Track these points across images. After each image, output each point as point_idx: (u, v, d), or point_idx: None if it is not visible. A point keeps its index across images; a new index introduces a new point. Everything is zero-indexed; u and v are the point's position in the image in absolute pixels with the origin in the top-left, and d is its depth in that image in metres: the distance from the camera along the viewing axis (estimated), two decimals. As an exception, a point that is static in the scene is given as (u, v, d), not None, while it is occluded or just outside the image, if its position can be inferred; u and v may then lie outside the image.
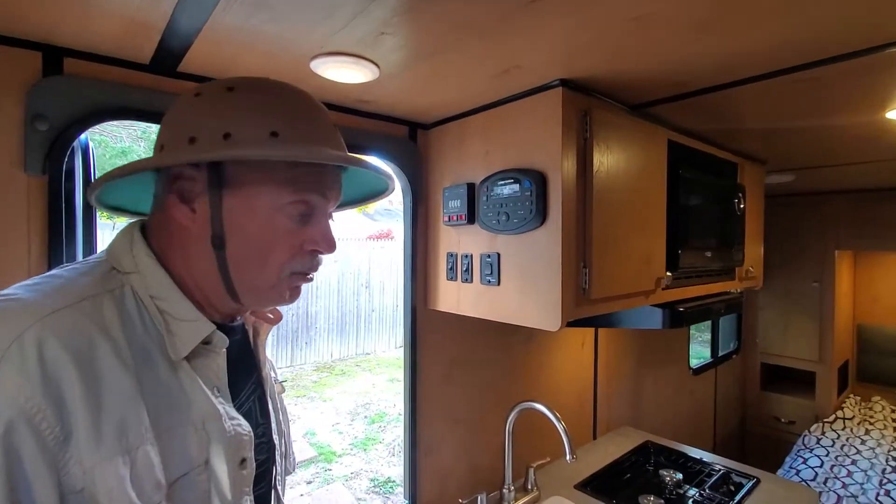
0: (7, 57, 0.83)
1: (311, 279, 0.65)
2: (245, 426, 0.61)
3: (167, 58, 0.92)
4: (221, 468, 0.57)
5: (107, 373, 0.49)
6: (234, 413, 0.61)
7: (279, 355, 7.17)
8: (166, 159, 0.55)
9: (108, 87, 0.92)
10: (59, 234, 0.89)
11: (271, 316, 0.76)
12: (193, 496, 0.55)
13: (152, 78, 0.97)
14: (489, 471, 1.59)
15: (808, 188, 2.71)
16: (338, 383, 6.62)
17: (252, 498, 0.63)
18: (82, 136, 0.94)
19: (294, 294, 0.64)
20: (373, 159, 0.90)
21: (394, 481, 4.07)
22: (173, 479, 0.53)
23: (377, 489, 3.96)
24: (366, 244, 8.40)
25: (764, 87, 1.08)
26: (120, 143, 6.84)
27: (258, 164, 0.57)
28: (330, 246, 0.62)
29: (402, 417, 5.36)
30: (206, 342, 0.59)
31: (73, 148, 0.92)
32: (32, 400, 0.44)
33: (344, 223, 14.16)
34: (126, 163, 0.55)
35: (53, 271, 0.56)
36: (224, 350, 0.61)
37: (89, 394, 0.47)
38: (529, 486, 1.56)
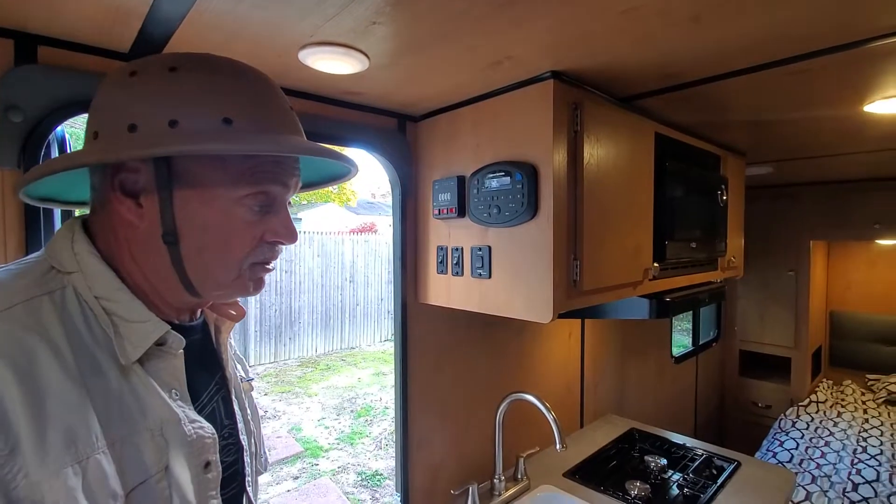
0: None
1: (272, 269, 0.63)
2: (208, 429, 0.58)
3: (148, 46, 0.89)
4: (184, 474, 0.55)
5: (49, 382, 0.46)
6: (194, 416, 0.58)
7: (262, 351, 7.09)
8: (107, 154, 0.50)
9: (85, 78, 0.88)
10: (36, 229, 0.85)
11: (233, 313, 0.72)
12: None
13: (132, 67, 0.93)
14: (480, 461, 1.60)
15: (785, 180, 2.79)
16: (323, 378, 6.58)
17: (220, 501, 0.60)
18: (58, 129, 0.91)
19: (258, 285, 0.61)
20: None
21: (381, 474, 4.08)
22: (130, 489, 0.50)
23: (365, 483, 3.96)
24: (349, 238, 8.33)
25: (751, 80, 1.10)
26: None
27: (215, 156, 0.53)
28: (291, 236, 0.60)
29: (388, 411, 5.36)
30: (160, 343, 0.56)
31: (48, 141, 0.89)
32: None
33: (327, 217, 14.02)
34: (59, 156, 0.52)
35: None
36: (181, 351, 0.58)
37: (31, 405, 0.45)
38: (519, 476, 1.58)
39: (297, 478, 3.99)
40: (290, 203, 0.63)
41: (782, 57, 0.96)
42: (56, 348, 0.48)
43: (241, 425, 0.71)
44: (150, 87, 0.52)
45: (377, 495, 3.78)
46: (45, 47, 0.85)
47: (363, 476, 4.06)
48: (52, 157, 0.93)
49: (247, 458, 0.72)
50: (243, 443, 0.71)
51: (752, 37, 0.89)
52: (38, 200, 0.62)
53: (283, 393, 5.95)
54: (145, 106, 0.51)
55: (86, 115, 0.61)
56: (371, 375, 6.72)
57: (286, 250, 7.29)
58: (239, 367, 0.79)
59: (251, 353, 6.95)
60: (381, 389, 6.11)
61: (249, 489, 0.72)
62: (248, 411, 0.75)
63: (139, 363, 0.54)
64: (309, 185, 0.75)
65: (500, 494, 1.49)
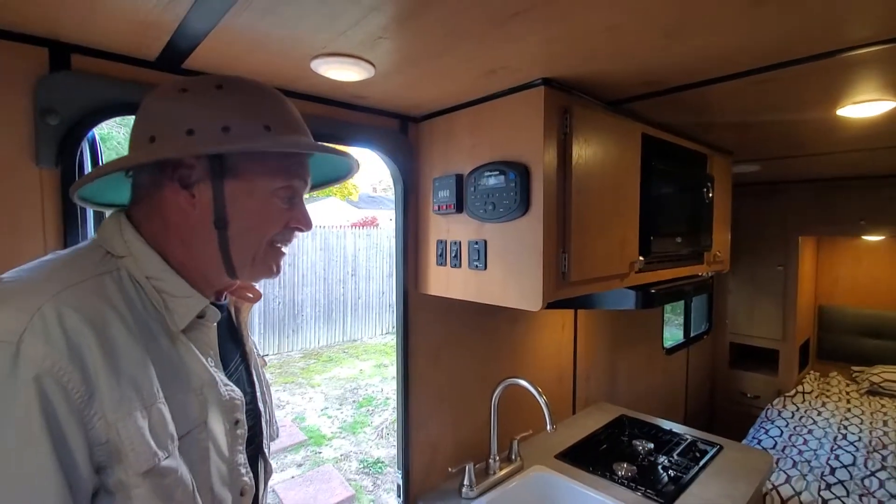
0: (13, 52, 0.85)
1: (285, 253, 0.75)
2: (237, 392, 0.69)
3: (174, 56, 0.97)
4: (218, 428, 0.65)
5: (119, 341, 0.55)
6: (227, 380, 0.68)
7: (266, 343, 7.21)
8: (180, 151, 0.61)
9: (115, 84, 0.95)
10: (74, 225, 0.93)
11: (251, 295, 0.83)
12: (196, 452, 0.62)
13: (158, 74, 1.00)
14: (476, 443, 1.70)
15: (773, 177, 2.87)
16: (325, 369, 6.69)
17: (245, 455, 0.70)
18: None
19: (278, 267, 0.73)
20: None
21: (382, 462, 4.19)
22: (181, 436, 0.60)
23: (366, 470, 4.08)
24: (351, 232, 8.40)
25: (728, 87, 1.18)
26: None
27: (259, 156, 0.65)
28: (309, 224, 0.73)
29: (389, 402, 5.45)
30: (200, 316, 0.66)
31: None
32: (59, 364, 0.50)
33: (329, 211, 14.08)
34: (118, 157, 0.62)
35: (47, 257, 0.61)
36: (215, 324, 0.69)
37: (107, 359, 0.53)
38: (513, 457, 1.67)
39: (300, 465, 4.11)
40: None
41: (753, 67, 1.05)
42: (122, 316, 0.57)
43: (258, 394, 0.81)
44: (202, 100, 0.63)
45: (378, 481, 3.90)
46: (78, 55, 0.92)
47: (365, 463, 4.17)
48: (86, 158, 1.02)
49: (263, 424, 0.81)
50: (261, 409, 0.81)
51: (722, 50, 0.97)
52: (79, 200, 0.71)
53: (286, 383, 6.07)
54: (200, 115, 0.62)
55: (113, 119, 0.71)
56: (373, 367, 6.83)
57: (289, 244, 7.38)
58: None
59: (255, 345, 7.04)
60: (382, 381, 6.22)
61: (266, 450, 0.83)
62: (263, 383, 0.86)
63: (183, 333, 0.64)
64: (313, 187, 0.87)
65: (494, 473, 1.59)
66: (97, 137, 1.06)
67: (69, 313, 0.52)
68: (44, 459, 0.48)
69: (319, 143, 0.72)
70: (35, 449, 0.48)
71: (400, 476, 1.52)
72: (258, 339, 7.08)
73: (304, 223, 0.72)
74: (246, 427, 0.70)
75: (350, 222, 13.25)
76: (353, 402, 5.54)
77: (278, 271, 0.73)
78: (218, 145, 0.61)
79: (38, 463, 0.48)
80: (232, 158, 0.64)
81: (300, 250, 7.57)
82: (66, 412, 0.50)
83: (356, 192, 16.73)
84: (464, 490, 1.50)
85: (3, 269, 0.59)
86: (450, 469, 1.51)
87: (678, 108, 1.38)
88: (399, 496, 1.52)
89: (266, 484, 0.85)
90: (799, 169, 2.50)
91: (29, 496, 0.48)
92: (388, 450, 4.40)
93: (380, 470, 4.07)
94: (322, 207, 14.24)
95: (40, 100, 0.88)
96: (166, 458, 0.57)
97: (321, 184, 0.88)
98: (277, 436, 0.91)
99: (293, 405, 5.39)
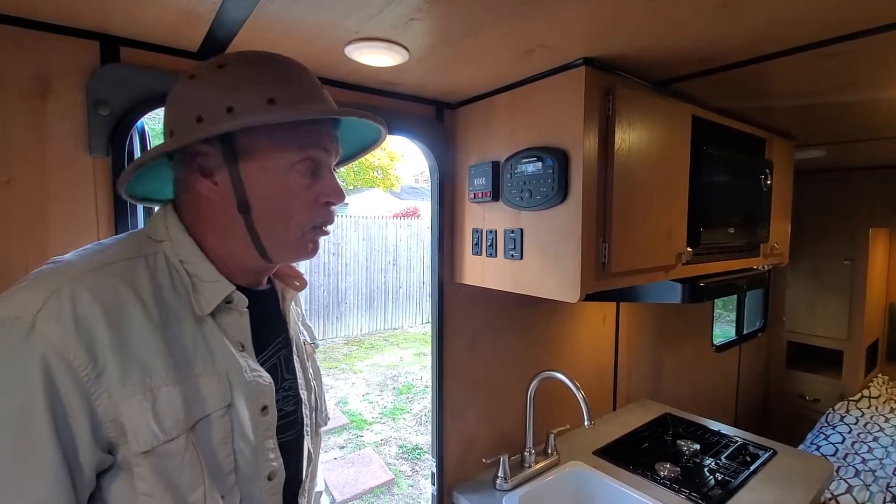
0: (67, 46, 0.89)
1: (328, 232, 0.72)
2: (265, 377, 0.68)
3: (215, 45, 0.99)
4: (244, 412, 0.65)
5: (134, 325, 0.57)
6: (255, 366, 0.68)
7: (312, 328, 7.45)
8: (180, 140, 0.61)
9: (161, 74, 0.98)
10: (124, 212, 0.97)
11: (297, 283, 0.83)
12: (216, 435, 0.62)
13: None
14: (511, 435, 1.68)
15: (841, 164, 2.63)
16: (367, 356, 6.85)
17: (275, 441, 0.70)
18: (139, 122, 1.03)
19: (315, 248, 0.71)
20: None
21: (421, 448, 4.25)
22: (196, 419, 0.60)
23: (405, 455, 4.15)
24: (392, 222, 8.51)
25: (791, 62, 1.08)
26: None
27: (265, 131, 0.63)
28: (339, 196, 0.69)
29: (428, 389, 5.52)
30: (228, 301, 0.66)
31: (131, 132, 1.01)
32: (66, 343, 0.52)
33: (372, 202, 14.32)
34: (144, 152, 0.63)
35: (104, 241, 0.64)
36: (245, 309, 0.69)
37: (117, 341, 0.55)
38: (549, 451, 1.64)
39: (343, 447, 4.23)
40: (335, 170, 0.73)
41: (817, 40, 0.95)
42: (143, 300, 0.59)
43: (300, 380, 0.81)
44: (206, 83, 0.63)
45: (417, 467, 3.96)
46: (127, 48, 0.96)
47: (404, 449, 4.25)
48: (135, 147, 1.06)
49: (306, 411, 0.81)
50: (303, 396, 0.80)
51: (783, 21, 0.88)
52: (139, 200, 0.75)
53: (330, 368, 6.26)
54: (205, 100, 0.62)
55: (162, 109, 0.72)
56: (413, 356, 6.93)
57: (333, 234, 7.57)
58: (306, 332, 0.90)
59: (301, 331, 7.32)
60: (421, 369, 6.30)
61: (308, 438, 0.82)
62: (311, 371, 0.85)
63: (212, 317, 0.65)
64: (346, 160, 0.84)
65: (529, 467, 1.57)
66: (146, 127, 1.11)
67: (83, 295, 0.54)
68: (42, 430, 0.51)
69: (334, 107, 0.68)
70: (34, 420, 0.50)
71: (434, 464, 1.52)
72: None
73: (334, 195, 0.69)
74: (275, 413, 0.70)
75: (392, 213, 13.42)
76: (394, 388, 5.64)
77: (315, 251, 0.71)
78: (218, 127, 0.60)
79: (35, 433, 0.51)
80: (242, 139, 0.63)
81: (343, 240, 7.74)
82: (70, 388, 0.52)
83: (398, 184, 16.89)
84: (498, 482, 1.49)
85: (64, 254, 0.62)
86: (484, 460, 1.50)
87: (732, 87, 1.28)
88: (433, 484, 1.53)
89: (309, 470, 0.84)
90: (871, 154, 2.28)
91: (23, 464, 0.50)
92: (426, 437, 4.46)
93: (418, 456, 4.13)
94: (365, 198, 14.49)
95: (92, 92, 0.92)
96: (169, 440, 0.58)
97: (356, 153, 0.85)
98: (326, 423, 0.91)
99: (336, 389, 5.56)
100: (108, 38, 0.94)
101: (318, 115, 0.65)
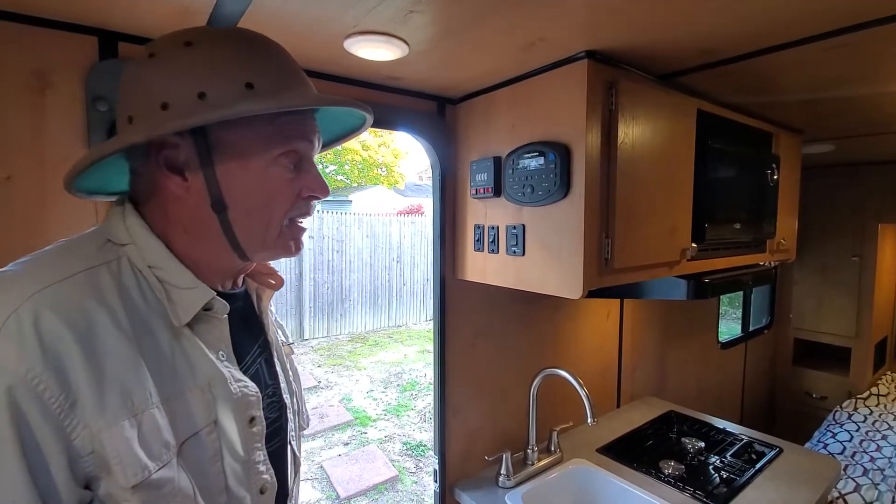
0: (65, 41, 0.88)
1: (305, 228, 0.66)
2: (251, 387, 0.63)
3: (212, 41, 0.99)
4: (231, 427, 0.60)
5: (106, 342, 0.50)
6: (239, 375, 0.62)
7: (316, 326, 7.48)
8: (149, 132, 0.52)
9: (160, 70, 0.99)
10: (123, 206, 0.98)
11: (272, 282, 0.77)
12: (205, 454, 0.57)
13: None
14: (514, 432, 1.67)
15: (850, 158, 2.60)
16: (371, 353, 6.86)
17: (265, 452, 0.65)
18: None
19: (298, 245, 0.65)
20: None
21: (425, 445, 4.26)
22: (183, 440, 0.55)
23: (409, 452, 4.15)
24: (396, 219, 8.51)
25: (797, 54, 1.06)
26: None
27: (245, 121, 0.55)
28: (325, 190, 0.63)
29: (431, 386, 5.52)
30: (207, 308, 0.60)
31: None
32: (33, 371, 0.45)
33: (375, 199, 14.33)
34: (99, 143, 0.55)
35: (50, 246, 0.56)
36: (225, 316, 0.62)
37: (90, 363, 0.48)
38: (552, 448, 1.63)
39: (347, 444, 4.24)
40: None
41: (824, 31, 0.93)
42: (113, 313, 0.52)
43: (283, 385, 0.76)
44: (172, 64, 0.54)
45: (421, 464, 3.96)
46: (125, 43, 0.95)
47: (408, 446, 4.25)
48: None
49: (290, 415, 0.76)
50: (286, 401, 0.75)
51: (790, 11, 0.86)
52: (86, 194, 0.64)
53: (334, 365, 6.28)
54: (172, 83, 0.53)
55: None
56: (417, 352, 6.94)
57: (337, 231, 7.58)
58: (279, 331, 0.83)
59: (306, 328, 7.35)
60: (426, 366, 6.30)
61: (293, 443, 0.78)
62: (290, 372, 0.80)
63: (188, 327, 0.58)
64: (327, 144, 0.77)
65: (532, 464, 1.56)
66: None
67: (47, 315, 0.47)
68: (14, 473, 0.45)
69: (318, 94, 0.61)
70: (4, 464, 0.44)
71: (437, 461, 1.52)
72: (308, 322, 7.35)
73: (319, 189, 0.62)
74: (264, 424, 0.65)
75: (396, 210, 13.42)
76: (398, 385, 5.65)
77: (298, 249, 0.65)
78: (190, 118, 0.52)
79: (7, 476, 0.44)
80: (216, 130, 0.55)
81: (347, 237, 7.75)
82: (41, 423, 0.46)
83: (402, 181, 16.88)
84: (501, 479, 1.48)
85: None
86: (487, 457, 1.49)
87: (738, 80, 1.26)
88: (436, 481, 1.53)
89: (296, 476, 0.80)
90: (881, 149, 2.25)
91: None
92: (430, 433, 4.45)
93: (422, 453, 4.14)
94: (369, 196, 14.49)
95: (91, 87, 0.91)
96: (159, 468, 0.52)
97: (335, 140, 0.78)
98: (307, 425, 0.87)
99: (341, 386, 5.57)
100: (106, 34, 0.93)
101: (309, 105, 0.57)
